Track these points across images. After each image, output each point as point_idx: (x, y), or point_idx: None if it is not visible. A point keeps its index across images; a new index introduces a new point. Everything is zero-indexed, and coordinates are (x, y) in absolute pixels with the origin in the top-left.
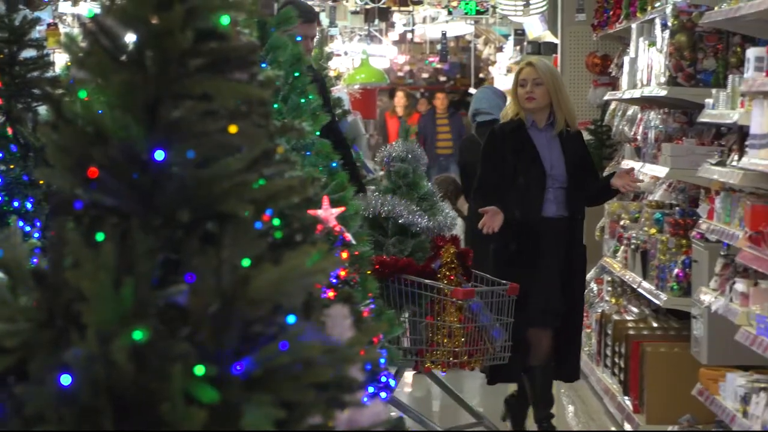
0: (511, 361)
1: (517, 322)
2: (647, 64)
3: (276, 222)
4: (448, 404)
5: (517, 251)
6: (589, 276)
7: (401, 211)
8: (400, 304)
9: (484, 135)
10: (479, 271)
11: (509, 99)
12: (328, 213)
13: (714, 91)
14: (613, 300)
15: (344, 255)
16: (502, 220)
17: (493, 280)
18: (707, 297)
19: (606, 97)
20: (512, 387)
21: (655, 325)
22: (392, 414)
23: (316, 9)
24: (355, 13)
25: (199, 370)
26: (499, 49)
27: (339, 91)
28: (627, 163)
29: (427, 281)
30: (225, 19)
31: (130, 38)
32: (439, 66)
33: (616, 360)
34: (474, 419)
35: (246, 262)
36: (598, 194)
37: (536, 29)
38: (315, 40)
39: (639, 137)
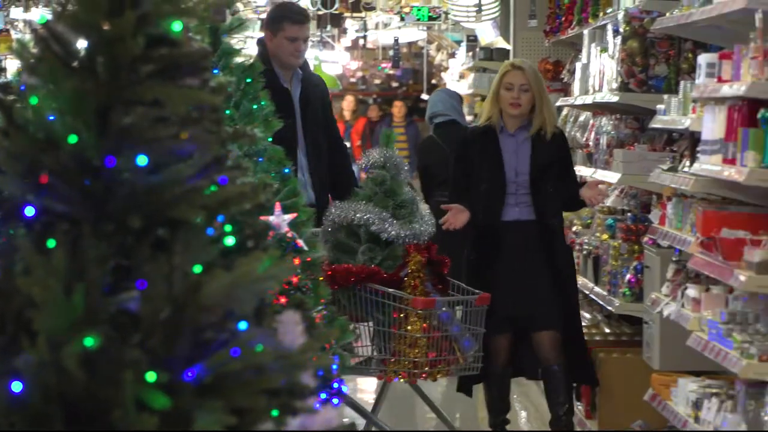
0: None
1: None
2: (599, 70)
3: (228, 228)
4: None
5: (478, 258)
6: None
7: (372, 218)
8: (367, 313)
9: (443, 136)
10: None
11: (488, 100)
12: (280, 219)
13: (666, 97)
14: None
15: (296, 261)
16: (467, 219)
17: (467, 290)
18: (659, 303)
19: (558, 103)
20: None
21: (607, 330)
22: (345, 420)
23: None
24: None
25: (151, 376)
26: (452, 55)
27: None
28: (579, 170)
29: (390, 290)
30: (176, 26)
31: (81, 44)
32: (391, 72)
33: None
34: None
35: (197, 269)
36: (570, 202)
37: (488, 35)
38: (308, 42)
39: (591, 143)
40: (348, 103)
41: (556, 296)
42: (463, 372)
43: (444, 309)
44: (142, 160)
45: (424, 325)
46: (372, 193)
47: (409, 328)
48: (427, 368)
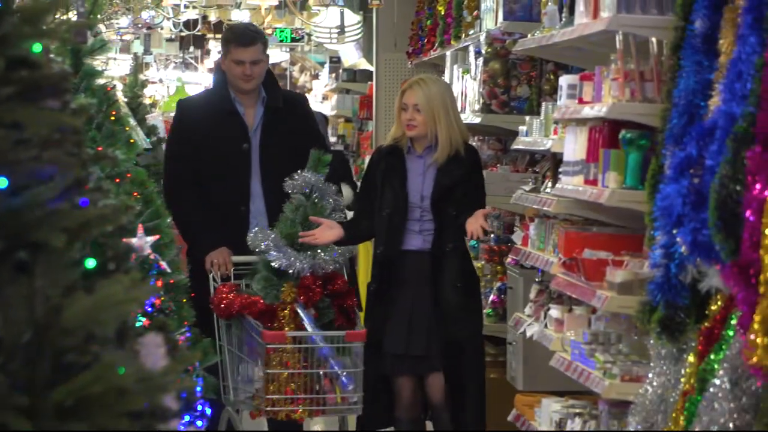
0: (378, 409)
1: (381, 366)
2: (461, 91)
3: (89, 251)
4: None
5: (377, 289)
6: None
7: (269, 248)
8: (242, 345)
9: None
10: None
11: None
12: (142, 241)
13: (528, 118)
14: None
15: (159, 283)
16: (335, 237)
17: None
18: (522, 323)
19: None
20: None
21: None
22: None
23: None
24: (170, 40)
25: (12, 400)
26: (315, 76)
27: (154, 118)
28: None
29: (253, 322)
30: (37, 47)
31: None
32: None
33: None
34: None
35: (58, 292)
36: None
37: (352, 57)
38: (261, 65)
39: None
40: None
41: (451, 334)
42: (341, 412)
43: (322, 344)
44: (2, 183)
45: (287, 362)
46: (288, 219)
47: (272, 363)
48: (289, 405)
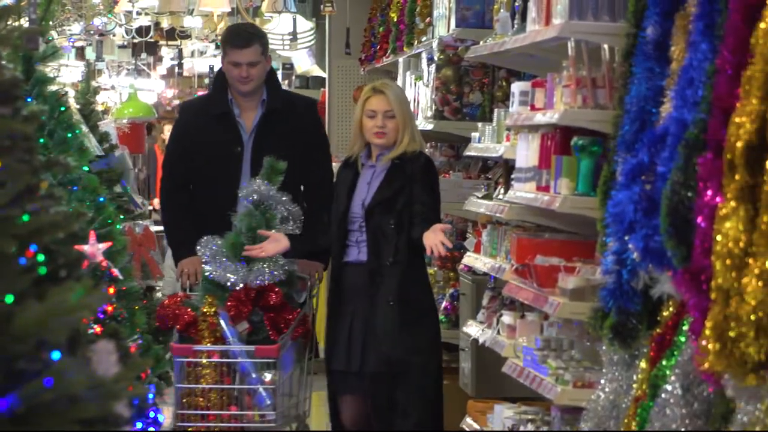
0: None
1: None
2: (414, 98)
3: (40, 257)
4: None
5: (329, 304)
6: None
7: (209, 259)
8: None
9: None
10: None
11: (353, 130)
12: (94, 248)
13: (480, 124)
14: None
15: (111, 290)
16: (280, 250)
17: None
18: (474, 329)
19: None
20: None
21: None
22: None
23: (82, 43)
24: (122, 47)
25: None
26: None
27: (106, 125)
28: None
29: (176, 334)
30: None
31: None
32: None
33: None
34: None
35: (9, 299)
36: (412, 242)
37: (304, 63)
38: (259, 66)
39: None
40: (166, 132)
41: (392, 352)
42: (257, 429)
43: (240, 359)
44: None
45: (204, 376)
46: (238, 231)
47: (189, 378)
48: (198, 420)
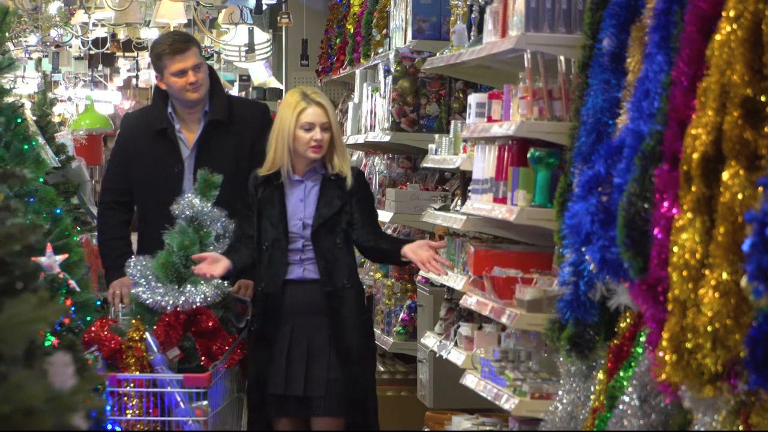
0: None
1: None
2: (371, 109)
3: None
4: None
5: (260, 326)
6: None
7: (138, 281)
8: None
9: None
10: None
11: (278, 142)
12: (51, 260)
13: (437, 136)
14: None
15: (68, 302)
16: (225, 268)
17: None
18: (432, 341)
19: None
20: None
21: (382, 369)
22: None
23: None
24: (78, 58)
25: None
26: None
27: (63, 137)
28: None
29: (101, 362)
30: None
31: None
32: None
33: None
34: None
35: None
36: (381, 256)
37: (261, 75)
38: (203, 68)
39: None
40: None
41: (340, 376)
42: None
43: (169, 389)
44: None
45: (134, 408)
46: (169, 248)
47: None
48: None
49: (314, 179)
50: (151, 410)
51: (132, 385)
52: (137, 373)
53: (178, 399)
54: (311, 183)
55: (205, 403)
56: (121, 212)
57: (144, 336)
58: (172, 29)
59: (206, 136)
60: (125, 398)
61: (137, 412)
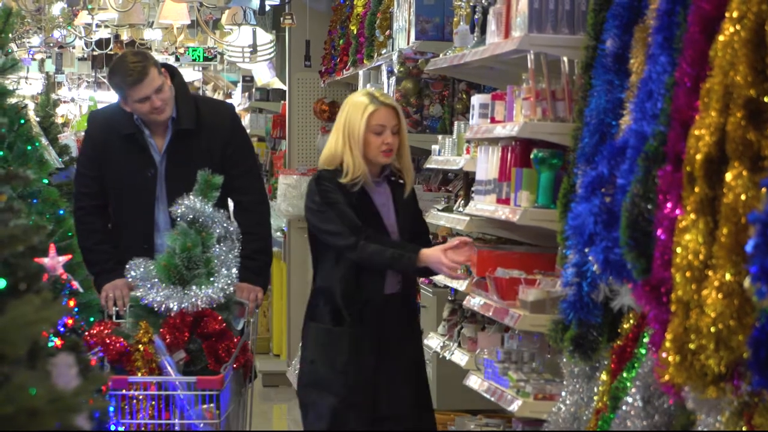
0: None
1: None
2: None
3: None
4: None
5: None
6: None
7: (139, 283)
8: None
9: None
10: None
11: (343, 146)
12: (54, 261)
13: (440, 137)
14: None
15: (71, 303)
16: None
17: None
18: (436, 342)
19: None
20: None
21: None
22: None
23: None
24: (82, 59)
25: None
26: (228, 95)
27: (66, 138)
28: None
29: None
30: None
31: None
32: None
33: None
34: None
35: None
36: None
37: (264, 76)
38: (165, 89)
39: None
40: None
41: (417, 390)
42: None
43: (180, 392)
44: None
45: (144, 411)
46: (171, 250)
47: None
48: None
49: (385, 185)
50: (161, 414)
51: (142, 388)
52: (145, 376)
53: (188, 403)
54: (385, 188)
55: (212, 405)
56: (101, 216)
57: (152, 338)
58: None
59: (175, 143)
60: (134, 401)
61: (148, 415)
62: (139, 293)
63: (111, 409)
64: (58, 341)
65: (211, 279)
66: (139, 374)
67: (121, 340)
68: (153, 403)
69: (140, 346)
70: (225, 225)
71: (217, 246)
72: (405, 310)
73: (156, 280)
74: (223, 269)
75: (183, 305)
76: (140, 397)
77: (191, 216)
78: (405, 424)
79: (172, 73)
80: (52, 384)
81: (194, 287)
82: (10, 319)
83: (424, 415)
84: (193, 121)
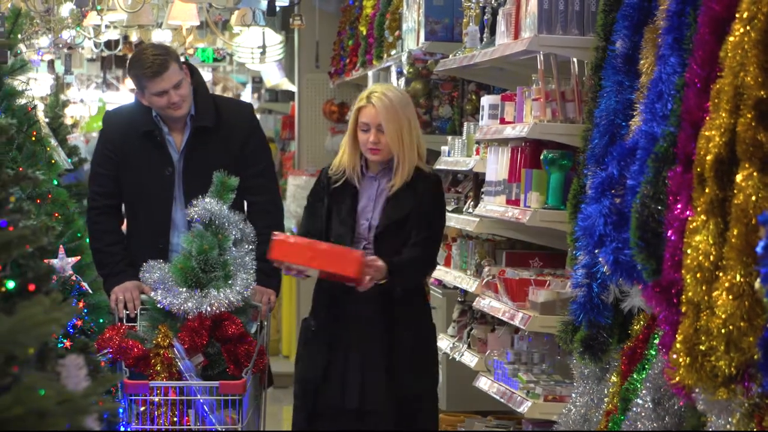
0: None
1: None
2: None
3: (9, 272)
4: None
5: (315, 333)
6: None
7: (155, 286)
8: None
9: None
10: None
11: (344, 139)
12: (64, 262)
13: (450, 138)
14: None
15: (81, 304)
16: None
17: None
18: (445, 343)
19: None
20: None
21: None
22: None
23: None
24: (91, 60)
25: None
26: (238, 96)
27: (75, 139)
28: None
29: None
30: None
31: None
32: None
33: None
34: None
35: None
36: None
37: (274, 77)
38: (184, 84)
39: None
40: None
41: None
42: None
43: (200, 397)
44: None
45: (163, 416)
46: (185, 251)
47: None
48: None
49: (387, 179)
50: (182, 418)
51: (163, 392)
52: (165, 380)
53: (207, 408)
54: (385, 182)
55: (232, 410)
56: (115, 216)
57: (172, 342)
58: (184, 31)
59: (193, 141)
60: (152, 407)
61: (168, 420)
62: (157, 296)
63: (120, 410)
64: (67, 342)
65: (229, 282)
66: (159, 378)
67: (138, 344)
68: (172, 408)
69: (160, 350)
70: (241, 227)
71: (234, 248)
72: (381, 299)
73: (171, 283)
74: (241, 272)
75: (202, 308)
76: (157, 401)
77: (208, 218)
78: (382, 417)
79: (192, 71)
80: (62, 385)
81: (213, 290)
82: (20, 320)
83: (412, 407)
84: (213, 119)
